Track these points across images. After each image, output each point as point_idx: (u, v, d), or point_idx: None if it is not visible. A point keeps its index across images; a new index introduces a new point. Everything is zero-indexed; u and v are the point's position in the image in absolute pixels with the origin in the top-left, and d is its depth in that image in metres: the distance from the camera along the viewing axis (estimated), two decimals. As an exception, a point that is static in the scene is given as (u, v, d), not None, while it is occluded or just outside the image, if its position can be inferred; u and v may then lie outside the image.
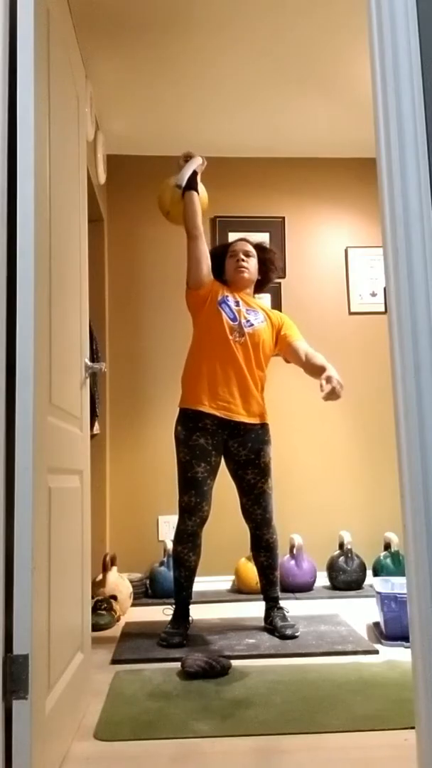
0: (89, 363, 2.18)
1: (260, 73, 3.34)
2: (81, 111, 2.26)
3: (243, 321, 2.86)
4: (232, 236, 4.08)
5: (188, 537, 2.77)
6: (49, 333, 1.67)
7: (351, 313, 4.17)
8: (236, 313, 2.87)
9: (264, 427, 2.89)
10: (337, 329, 4.15)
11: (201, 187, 2.99)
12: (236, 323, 2.85)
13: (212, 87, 3.45)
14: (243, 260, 2.93)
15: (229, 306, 2.87)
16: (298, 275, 4.15)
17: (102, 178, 3.81)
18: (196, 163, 2.96)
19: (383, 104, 1.49)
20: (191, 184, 2.91)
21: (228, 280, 2.98)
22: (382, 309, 4.16)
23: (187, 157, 2.98)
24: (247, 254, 2.95)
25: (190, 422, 2.80)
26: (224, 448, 2.86)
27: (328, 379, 2.67)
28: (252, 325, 2.87)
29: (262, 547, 2.87)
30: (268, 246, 3.11)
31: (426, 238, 1.41)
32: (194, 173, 2.95)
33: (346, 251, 4.21)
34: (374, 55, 1.53)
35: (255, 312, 2.93)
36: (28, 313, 1.49)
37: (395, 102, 1.46)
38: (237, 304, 2.90)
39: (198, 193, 2.93)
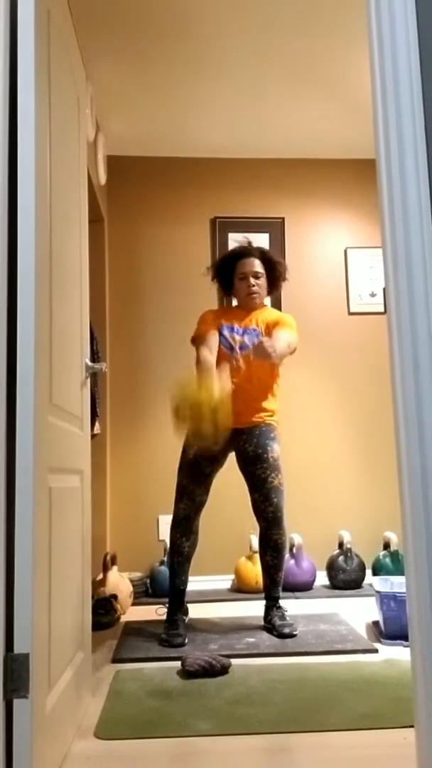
0: (90, 363, 2.19)
1: (260, 74, 3.34)
2: (81, 112, 2.27)
3: (236, 347, 2.92)
4: (232, 236, 4.10)
5: (181, 521, 2.79)
6: (50, 333, 1.67)
7: (350, 314, 4.17)
8: (231, 341, 2.94)
9: (270, 425, 2.92)
10: (336, 329, 4.15)
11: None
12: (232, 351, 2.92)
13: (212, 88, 3.45)
14: (253, 285, 2.96)
15: (225, 336, 2.95)
16: (297, 276, 4.16)
17: (102, 178, 3.82)
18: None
19: (383, 106, 1.50)
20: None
21: (238, 300, 3.04)
22: (382, 309, 4.16)
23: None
24: (257, 276, 2.97)
25: None
26: (232, 444, 2.90)
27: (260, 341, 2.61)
28: (247, 346, 2.91)
29: (270, 547, 2.88)
30: (273, 258, 3.05)
31: (425, 239, 1.42)
32: None
33: (345, 252, 4.21)
34: (374, 58, 1.54)
35: (251, 331, 2.95)
36: (28, 313, 1.49)
37: (395, 103, 1.47)
38: (232, 330, 2.96)
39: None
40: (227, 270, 3.05)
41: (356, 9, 2.86)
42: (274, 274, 3.03)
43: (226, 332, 2.96)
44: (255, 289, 2.95)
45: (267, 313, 3.03)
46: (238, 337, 2.94)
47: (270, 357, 2.59)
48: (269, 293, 3.09)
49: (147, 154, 4.16)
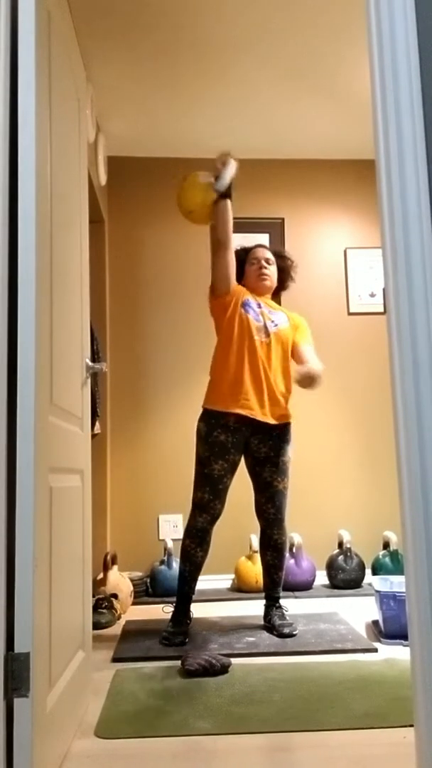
0: (90, 363, 2.19)
1: (260, 75, 3.35)
2: (82, 113, 2.27)
3: (267, 322, 2.91)
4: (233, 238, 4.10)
5: (197, 533, 2.78)
6: (50, 333, 1.68)
7: (350, 314, 4.18)
8: (260, 315, 2.91)
9: (287, 426, 2.92)
10: (336, 330, 4.16)
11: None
12: (261, 324, 2.89)
13: (213, 89, 3.46)
14: (265, 267, 2.99)
15: (252, 308, 2.91)
16: (297, 276, 4.15)
17: (103, 179, 3.82)
18: (234, 168, 2.82)
19: (382, 106, 1.50)
20: (227, 192, 2.82)
21: (249, 286, 3.02)
22: (381, 309, 4.16)
23: (225, 161, 2.80)
24: (268, 261, 3.01)
25: (212, 419, 2.82)
26: (245, 445, 2.88)
27: (307, 368, 2.77)
28: (277, 325, 2.93)
29: (270, 546, 2.89)
30: (284, 254, 3.13)
31: (424, 239, 1.42)
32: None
33: (345, 252, 4.22)
34: (373, 58, 1.54)
35: (277, 313, 2.98)
36: (29, 313, 1.50)
37: (394, 104, 1.47)
38: (259, 306, 2.95)
39: (232, 200, 2.85)
40: (239, 264, 3.07)
41: (356, 9, 2.86)
42: (284, 270, 3.07)
43: (253, 304, 2.93)
44: (266, 272, 2.98)
45: (284, 309, 3.06)
46: (266, 313, 2.93)
47: (317, 382, 2.76)
48: (276, 292, 3.11)
49: (147, 154, 4.17)
